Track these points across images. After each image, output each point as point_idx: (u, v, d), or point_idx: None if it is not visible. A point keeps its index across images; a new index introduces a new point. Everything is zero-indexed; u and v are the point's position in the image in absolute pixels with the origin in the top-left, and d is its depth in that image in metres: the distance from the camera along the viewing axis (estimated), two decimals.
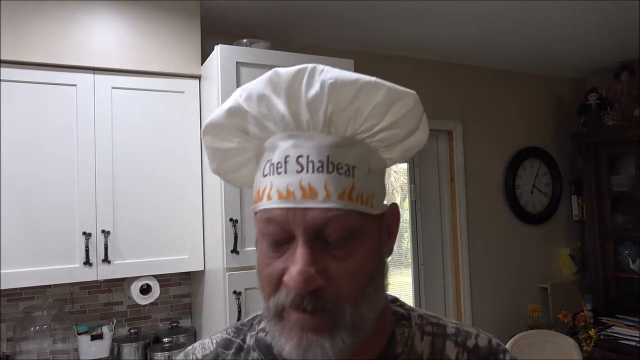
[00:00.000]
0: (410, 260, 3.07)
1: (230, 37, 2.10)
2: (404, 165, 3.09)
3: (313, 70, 0.53)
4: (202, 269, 1.97)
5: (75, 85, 1.79)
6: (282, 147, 0.54)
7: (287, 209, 0.52)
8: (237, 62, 1.79)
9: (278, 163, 0.54)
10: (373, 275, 0.55)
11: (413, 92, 0.56)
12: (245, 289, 1.72)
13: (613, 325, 2.83)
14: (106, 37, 1.85)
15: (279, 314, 0.53)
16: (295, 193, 0.52)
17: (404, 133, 0.59)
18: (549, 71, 3.35)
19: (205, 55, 1.95)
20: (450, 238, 3.01)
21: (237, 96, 0.57)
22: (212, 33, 2.25)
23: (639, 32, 2.59)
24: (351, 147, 0.55)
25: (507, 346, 2.46)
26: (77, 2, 1.81)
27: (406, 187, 3.13)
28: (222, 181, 1.73)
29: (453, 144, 3.02)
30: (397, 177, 3.73)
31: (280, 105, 0.54)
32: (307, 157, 0.53)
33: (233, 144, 0.61)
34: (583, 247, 3.37)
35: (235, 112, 0.57)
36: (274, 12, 2.18)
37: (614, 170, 3.10)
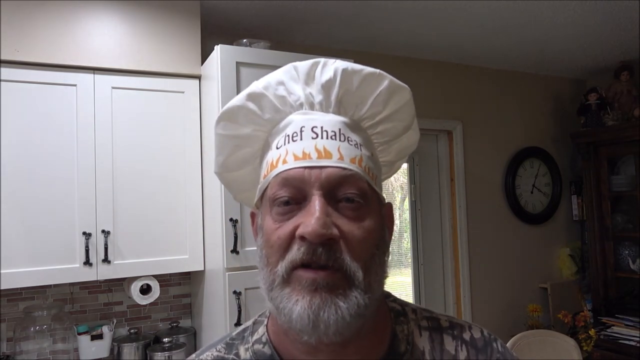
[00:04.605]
0: (410, 260, 3.07)
1: (230, 37, 2.10)
2: (404, 165, 3.09)
3: (327, 61, 0.59)
4: (202, 269, 1.97)
5: (75, 85, 1.79)
6: (298, 121, 0.58)
7: (304, 168, 0.54)
8: (237, 62, 1.79)
9: (294, 133, 0.57)
10: (379, 248, 0.56)
11: (407, 86, 0.62)
12: (245, 289, 1.72)
13: (613, 325, 2.83)
14: (106, 37, 1.85)
15: (287, 278, 0.52)
16: (311, 154, 0.54)
17: (401, 127, 0.63)
18: (549, 71, 3.35)
19: (205, 55, 1.95)
20: (450, 238, 3.01)
21: (256, 84, 0.61)
22: (212, 33, 2.25)
23: (639, 32, 2.59)
24: (358, 130, 0.60)
25: (507, 346, 2.47)
26: (77, 2, 1.82)
27: (406, 187, 3.13)
28: None
29: (453, 144, 3.02)
30: (397, 177, 3.73)
31: (297, 88, 0.59)
32: (321, 127, 0.57)
33: (248, 129, 0.62)
34: (583, 247, 3.37)
35: (254, 96, 0.61)
36: (274, 12, 2.18)
37: (614, 170, 3.10)
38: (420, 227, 3.05)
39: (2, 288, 1.65)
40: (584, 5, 2.23)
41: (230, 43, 1.90)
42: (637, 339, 2.65)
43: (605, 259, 3.01)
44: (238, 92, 1.77)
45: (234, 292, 1.70)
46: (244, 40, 1.98)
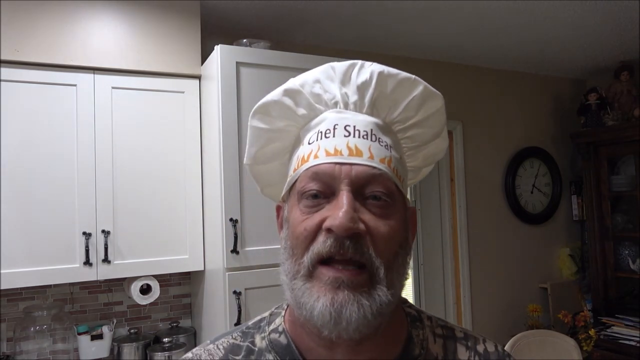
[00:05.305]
0: (410, 260, 3.07)
1: (230, 37, 2.10)
2: None
3: (364, 63, 0.61)
4: (202, 269, 1.97)
5: (75, 85, 1.79)
6: (331, 118, 0.59)
7: (334, 163, 0.55)
8: (237, 62, 1.78)
9: (327, 130, 0.58)
10: (402, 247, 0.56)
11: (441, 94, 0.63)
12: (245, 289, 1.72)
13: (613, 325, 2.83)
14: (106, 37, 1.85)
15: (312, 272, 0.52)
16: (343, 151, 0.55)
17: (431, 134, 0.64)
18: (549, 71, 3.35)
19: (205, 55, 1.95)
20: (450, 238, 3.01)
21: (293, 80, 0.63)
22: (212, 33, 2.25)
23: (639, 32, 2.59)
24: (389, 133, 0.61)
25: (507, 346, 2.47)
26: (77, 2, 1.82)
27: None
28: (222, 181, 1.73)
29: (453, 144, 3.02)
30: None
31: (333, 87, 0.61)
32: (354, 126, 0.58)
33: (281, 123, 0.63)
34: (583, 247, 3.37)
35: (290, 92, 0.62)
36: (274, 12, 2.18)
37: (614, 170, 3.10)
38: (420, 227, 3.05)
39: (2, 288, 1.65)
40: (584, 5, 2.23)
41: (230, 43, 1.90)
42: (637, 339, 2.65)
43: (605, 259, 3.01)
44: (238, 92, 1.78)
45: (234, 292, 1.70)
46: (244, 40, 1.98)
